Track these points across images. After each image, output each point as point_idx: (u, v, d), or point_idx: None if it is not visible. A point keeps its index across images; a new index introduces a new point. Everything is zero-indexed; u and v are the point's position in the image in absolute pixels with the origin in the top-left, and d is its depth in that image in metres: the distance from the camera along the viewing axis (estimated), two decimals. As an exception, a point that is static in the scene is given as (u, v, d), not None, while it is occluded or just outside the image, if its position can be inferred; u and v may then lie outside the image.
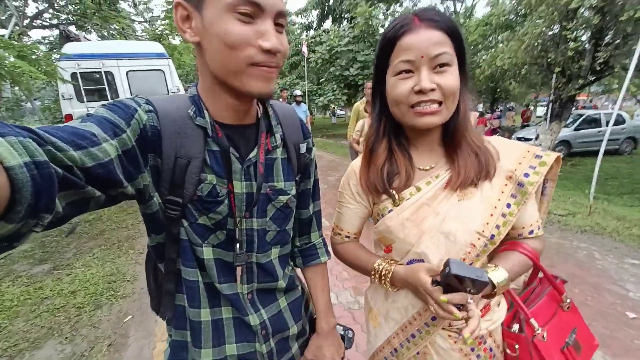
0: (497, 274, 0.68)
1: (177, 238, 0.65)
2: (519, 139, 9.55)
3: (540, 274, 0.85)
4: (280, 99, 7.16)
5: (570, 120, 9.11)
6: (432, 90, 0.65)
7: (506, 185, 0.72)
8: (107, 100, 4.09)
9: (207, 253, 0.67)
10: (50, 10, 9.38)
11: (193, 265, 0.67)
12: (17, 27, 7.29)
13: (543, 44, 6.85)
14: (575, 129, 9.66)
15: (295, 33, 20.61)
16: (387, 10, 16.41)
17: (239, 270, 0.70)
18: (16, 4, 6.96)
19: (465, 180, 0.71)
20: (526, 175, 0.71)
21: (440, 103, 0.67)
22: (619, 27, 5.78)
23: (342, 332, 0.91)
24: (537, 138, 7.51)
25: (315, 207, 0.88)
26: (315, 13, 19.95)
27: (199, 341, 0.70)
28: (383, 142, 0.79)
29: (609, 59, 6.11)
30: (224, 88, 0.60)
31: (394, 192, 0.76)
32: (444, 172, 0.75)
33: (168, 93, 5.83)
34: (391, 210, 0.77)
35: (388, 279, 0.78)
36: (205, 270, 0.68)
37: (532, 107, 16.36)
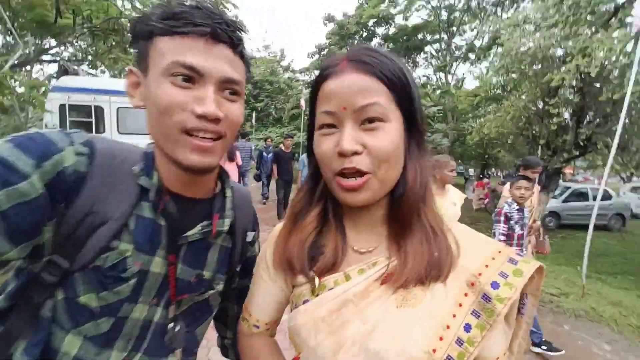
0: None
1: (34, 312, 0.50)
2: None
3: None
4: (283, 147, 7.08)
5: (558, 191, 9.22)
6: (356, 153, 0.49)
7: (466, 295, 0.50)
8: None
9: (69, 344, 0.51)
10: (62, 47, 9.89)
11: (34, 356, 0.49)
12: (25, 57, 7.56)
13: (528, 117, 7.16)
14: (564, 201, 9.71)
15: (298, 88, 21.93)
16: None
17: None
18: (28, 39, 7.30)
19: (411, 278, 0.50)
20: (494, 285, 0.49)
21: (365, 173, 0.49)
22: (598, 106, 6.07)
23: None
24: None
25: None
26: (317, 73, 21.49)
27: None
28: (316, 208, 0.60)
29: (591, 136, 6.33)
30: (166, 156, 0.55)
31: (314, 274, 0.55)
32: (384, 260, 0.54)
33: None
34: (307, 300, 0.55)
35: None
36: None
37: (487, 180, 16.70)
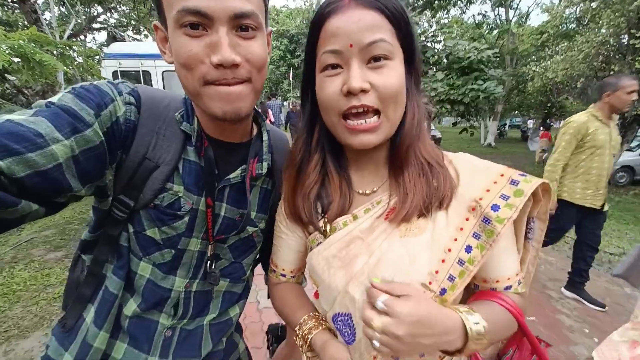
0: (473, 318, 0.47)
1: (114, 241, 0.59)
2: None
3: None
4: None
5: (635, 143, 8.00)
6: (364, 91, 0.48)
7: (467, 220, 0.52)
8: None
9: (143, 269, 0.61)
10: (108, 14, 10.28)
11: (121, 276, 0.60)
12: (78, 27, 8.05)
13: (606, 55, 6.07)
14: (642, 153, 8.44)
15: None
16: (432, 18, 15.82)
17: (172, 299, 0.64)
18: (78, 8, 7.68)
19: (411, 210, 0.52)
20: (495, 207, 0.50)
21: (377, 112, 0.49)
22: None
23: None
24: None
25: None
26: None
27: None
28: (314, 158, 0.61)
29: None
30: (198, 107, 0.57)
31: (322, 222, 0.60)
32: (387, 198, 0.56)
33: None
34: (320, 242, 0.60)
35: (304, 349, 0.60)
36: (127, 290, 0.61)
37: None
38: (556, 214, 2.50)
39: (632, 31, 5.60)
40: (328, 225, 0.59)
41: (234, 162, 0.63)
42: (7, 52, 2.67)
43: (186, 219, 0.60)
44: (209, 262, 0.65)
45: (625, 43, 5.85)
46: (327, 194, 0.61)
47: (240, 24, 0.49)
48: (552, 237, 2.59)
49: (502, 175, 0.53)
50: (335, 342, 0.57)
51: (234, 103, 0.52)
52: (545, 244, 2.57)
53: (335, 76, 0.51)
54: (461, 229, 0.51)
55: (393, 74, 0.49)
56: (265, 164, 0.66)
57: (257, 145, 0.67)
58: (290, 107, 9.43)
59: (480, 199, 0.52)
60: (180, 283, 0.63)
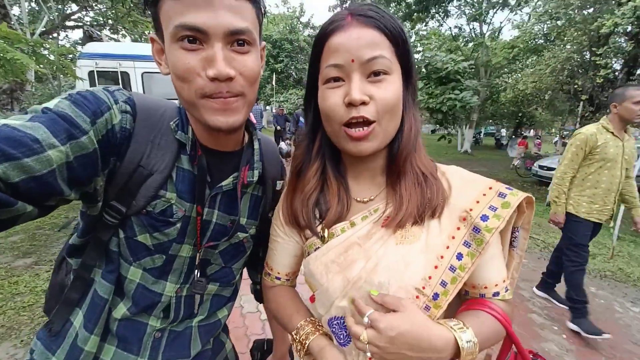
0: (465, 336, 0.50)
1: (104, 246, 0.60)
2: (541, 167, 9.09)
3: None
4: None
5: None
6: (364, 103, 0.52)
7: (459, 229, 0.56)
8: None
9: (133, 274, 0.61)
10: (83, 12, 9.92)
11: (111, 281, 0.60)
12: (51, 24, 7.70)
13: (570, 69, 6.52)
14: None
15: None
16: (411, 30, 16.36)
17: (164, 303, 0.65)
18: (51, 4, 7.35)
19: (405, 217, 0.55)
20: (484, 218, 0.54)
21: (371, 123, 0.53)
22: (655, 56, 5.40)
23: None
24: (559, 168, 7.03)
25: None
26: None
27: None
28: (315, 164, 0.64)
29: (643, 89, 5.70)
30: (193, 117, 0.58)
31: (320, 228, 0.62)
32: (383, 206, 0.60)
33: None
34: (318, 247, 0.62)
35: (302, 354, 0.61)
36: (117, 294, 0.62)
37: (538, 140, 15.52)
38: (567, 230, 2.42)
39: (593, 49, 6.06)
40: (326, 231, 0.61)
41: (226, 170, 0.65)
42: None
43: (178, 225, 0.60)
44: (196, 271, 0.66)
45: (588, 59, 6.31)
46: (325, 200, 0.63)
47: (235, 39, 0.51)
48: (577, 257, 2.37)
49: (490, 188, 0.57)
50: (332, 348, 0.59)
51: (229, 116, 0.54)
52: (577, 267, 2.37)
53: (337, 88, 0.54)
54: (453, 237, 0.55)
55: (391, 88, 0.53)
56: (256, 172, 0.67)
57: (248, 154, 0.68)
58: (275, 111, 9.49)
59: (471, 209, 0.55)
60: (171, 288, 0.64)
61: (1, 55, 2.77)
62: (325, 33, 0.55)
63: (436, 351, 0.49)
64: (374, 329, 0.49)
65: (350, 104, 0.52)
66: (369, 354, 0.50)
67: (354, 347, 0.57)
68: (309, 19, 24.12)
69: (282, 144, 8.17)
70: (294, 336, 0.64)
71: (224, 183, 0.63)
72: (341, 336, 0.59)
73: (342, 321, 0.59)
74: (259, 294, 0.85)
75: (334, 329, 0.60)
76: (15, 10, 6.80)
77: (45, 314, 0.66)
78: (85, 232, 0.60)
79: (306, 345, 0.61)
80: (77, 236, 0.61)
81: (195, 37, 0.49)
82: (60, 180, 0.44)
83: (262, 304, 0.86)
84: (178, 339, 0.67)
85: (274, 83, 16.79)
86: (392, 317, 0.49)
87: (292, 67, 21.04)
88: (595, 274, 3.42)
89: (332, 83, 0.54)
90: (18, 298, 2.58)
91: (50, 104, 0.46)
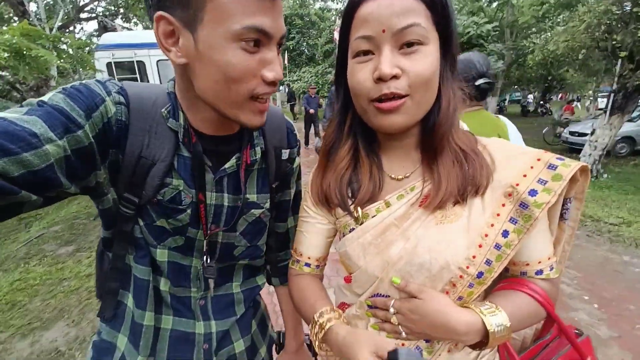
0: (496, 319, 0.49)
1: (130, 235, 0.62)
2: (571, 133, 8.55)
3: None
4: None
5: (636, 113, 7.94)
6: (395, 77, 0.48)
7: (504, 205, 0.52)
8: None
9: (161, 255, 0.63)
10: (95, 2, 9.97)
11: (146, 264, 0.63)
12: (67, 18, 7.81)
13: (608, 24, 5.92)
14: (643, 124, 8.37)
15: (331, 19, 20.13)
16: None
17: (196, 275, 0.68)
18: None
19: (446, 198, 0.53)
20: (532, 192, 0.50)
21: (404, 96, 0.49)
22: None
23: (309, 342, 0.88)
24: (593, 133, 6.58)
25: (294, 221, 0.82)
26: (351, -2, 19.25)
27: (136, 346, 0.65)
28: (347, 143, 0.62)
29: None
30: (210, 108, 0.54)
31: (354, 207, 0.60)
32: (420, 185, 0.57)
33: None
34: (353, 229, 0.61)
35: (320, 336, 0.60)
36: (156, 273, 0.65)
37: (576, 103, 14.37)
38: None
39: (636, -2, 5.44)
40: (360, 211, 0.59)
41: (228, 152, 0.63)
42: (1, 48, 2.63)
43: (188, 211, 0.61)
44: (205, 257, 0.66)
45: (629, 10, 5.68)
46: (358, 179, 0.61)
47: (279, 42, 0.53)
48: None
49: (538, 159, 0.53)
50: (362, 329, 0.60)
51: (262, 119, 0.56)
52: None
53: (366, 62, 0.51)
54: (498, 214, 0.52)
55: (426, 60, 0.49)
56: (258, 149, 0.66)
57: (249, 132, 0.66)
58: (309, 92, 8.73)
59: (517, 184, 0.52)
60: (197, 262, 0.67)
61: (26, 52, 2.85)
62: (354, 2, 0.51)
63: (457, 334, 0.50)
64: (401, 314, 0.53)
65: (380, 79, 0.49)
66: (404, 334, 0.55)
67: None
68: (319, -9, 23.05)
69: (317, 140, 7.46)
70: (315, 319, 0.61)
71: (227, 165, 0.62)
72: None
73: (383, 298, 0.59)
74: (269, 277, 0.86)
75: (376, 307, 0.60)
76: (31, 6, 6.93)
77: (98, 299, 0.70)
78: (109, 225, 0.62)
79: (325, 328, 0.59)
80: (104, 229, 0.64)
81: (260, 39, 0.48)
82: (60, 174, 0.44)
83: (272, 286, 0.87)
84: (221, 304, 0.72)
85: (286, 62, 16.48)
86: (412, 304, 0.52)
87: (304, 44, 20.45)
88: (629, 242, 3.26)
89: (362, 57, 0.51)
90: (65, 283, 2.81)
91: (45, 98, 0.46)
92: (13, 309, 2.48)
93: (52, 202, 0.48)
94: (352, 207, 0.60)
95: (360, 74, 0.51)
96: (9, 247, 3.55)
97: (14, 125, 0.39)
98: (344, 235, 0.63)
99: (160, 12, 0.47)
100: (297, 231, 0.73)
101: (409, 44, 0.48)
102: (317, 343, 0.61)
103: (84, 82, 0.51)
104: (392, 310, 0.55)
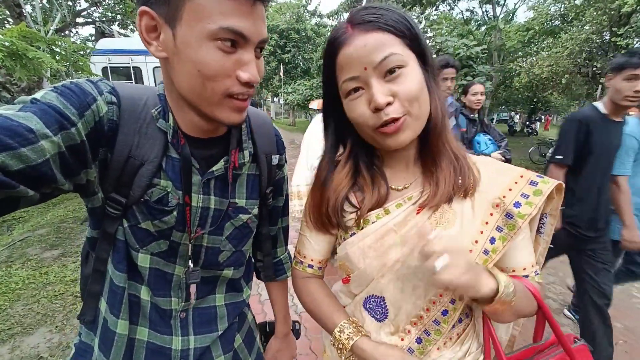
0: (503, 277, 0.53)
1: (112, 238, 0.61)
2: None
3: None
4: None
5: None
6: (389, 104, 0.53)
7: (492, 215, 0.59)
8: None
9: (142, 260, 0.63)
10: (92, 8, 10.01)
11: (123, 270, 0.62)
12: (63, 22, 7.81)
13: (589, 51, 6.28)
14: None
15: (327, 35, 20.65)
16: (421, 14, 15.93)
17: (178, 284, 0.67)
18: (61, 1, 7.45)
19: (441, 198, 0.58)
20: (517, 204, 0.57)
21: (402, 115, 0.54)
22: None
23: (291, 327, 0.95)
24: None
25: (283, 222, 0.86)
26: (346, 15, 19.84)
27: (108, 352, 0.64)
28: (346, 166, 0.66)
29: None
30: (191, 108, 0.55)
31: (355, 215, 0.64)
32: (418, 194, 0.62)
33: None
34: (354, 234, 0.65)
35: (345, 353, 0.63)
36: (133, 280, 0.64)
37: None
38: None
39: (614, 29, 5.81)
40: (361, 218, 0.64)
41: (216, 155, 0.64)
42: (-1, 49, 2.62)
43: (174, 213, 0.61)
44: (189, 261, 0.66)
45: (607, 40, 6.06)
46: (361, 190, 0.65)
47: (259, 46, 0.53)
48: None
49: (521, 176, 0.60)
50: (383, 343, 0.62)
51: (242, 114, 0.56)
52: None
53: (359, 98, 0.55)
54: (486, 222, 0.58)
55: (410, 79, 0.53)
56: (246, 152, 0.67)
57: (237, 134, 0.66)
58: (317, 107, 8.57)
59: (504, 196, 0.58)
60: (180, 271, 0.66)
61: (22, 54, 2.85)
62: (332, 49, 0.56)
63: (482, 275, 0.51)
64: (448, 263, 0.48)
65: (377, 110, 0.53)
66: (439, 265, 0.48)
67: (389, 322, 0.63)
68: (315, 7, 23.74)
69: None
70: (337, 336, 0.64)
71: (214, 168, 0.63)
72: (378, 312, 0.64)
73: (379, 300, 0.63)
74: (258, 273, 0.89)
75: (370, 306, 0.64)
76: (27, 8, 6.92)
77: (82, 301, 0.70)
78: (96, 225, 0.63)
79: (349, 345, 0.62)
80: (91, 228, 0.64)
81: (236, 40, 0.49)
82: (55, 170, 0.45)
83: (264, 285, 0.90)
84: (203, 317, 0.71)
85: (281, 74, 16.70)
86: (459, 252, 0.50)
87: (299, 57, 20.83)
88: (613, 260, 3.37)
89: (354, 94, 0.56)
90: (49, 287, 2.73)
91: (38, 95, 0.46)
92: (-7, 314, 2.39)
93: (47, 199, 0.48)
94: (353, 216, 0.64)
95: (358, 109, 0.56)
96: (-10, 250, 3.43)
97: (10, 121, 0.40)
98: (343, 240, 0.67)
99: (143, 7, 0.49)
100: (299, 234, 0.77)
101: (392, 71, 0.52)
102: (342, 358, 0.64)
103: (75, 80, 0.51)
104: (441, 262, 0.47)
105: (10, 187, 0.39)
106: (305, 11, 22.67)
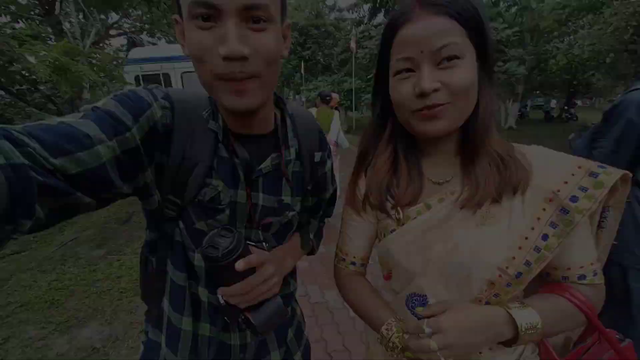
0: (523, 314, 0.51)
1: (171, 239, 0.64)
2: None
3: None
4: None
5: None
6: (435, 90, 0.52)
7: (544, 210, 0.54)
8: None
9: (198, 259, 0.64)
10: (123, 20, 10.56)
11: (182, 269, 0.64)
12: (97, 35, 8.32)
13: (636, 26, 5.73)
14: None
15: (346, 29, 20.38)
16: None
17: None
18: (95, 15, 7.93)
19: (482, 197, 0.56)
20: (573, 199, 0.52)
21: (442, 103, 0.53)
22: None
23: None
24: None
25: (327, 212, 0.90)
26: (366, 7, 19.45)
27: (175, 347, 0.66)
28: (387, 150, 0.66)
29: None
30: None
31: (394, 209, 0.63)
32: (460, 189, 0.60)
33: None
34: (394, 230, 0.64)
35: (397, 352, 0.61)
36: (193, 279, 0.65)
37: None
38: None
39: (666, -1, 5.26)
40: (401, 213, 0.62)
41: (262, 153, 0.65)
42: (46, 64, 2.85)
43: (227, 211, 0.63)
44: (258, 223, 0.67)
45: (658, 12, 5.48)
46: (399, 183, 0.64)
47: (250, 15, 0.48)
48: None
49: (579, 167, 0.54)
50: None
51: (243, 98, 0.52)
52: None
53: (408, 79, 0.54)
54: (538, 218, 0.54)
55: (463, 72, 0.52)
56: (292, 150, 0.68)
57: (283, 132, 0.68)
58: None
59: (558, 190, 0.53)
60: None
61: (67, 68, 3.08)
62: (394, 25, 0.55)
63: (494, 325, 0.52)
64: (438, 332, 0.50)
65: (422, 95, 0.52)
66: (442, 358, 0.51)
67: None
68: (334, 1, 23.46)
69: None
70: (385, 334, 0.63)
71: (262, 166, 0.64)
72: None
73: (421, 298, 0.62)
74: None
75: (412, 304, 0.63)
76: (66, 25, 7.44)
77: (143, 301, 0.74)
78: (153, 227, 0.65)
79: (399, 345, 0.60)
80: (149, 231, 0.67)
81: (209, 14, 0.47)
82: (113, 174, 0.47)
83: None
84: None
85: (302, 71, 16.75)
86: (447, 314, 0.52)
87: (320, 53, 20.74)
88: None
89: (403, 74, 0.55)
90: (98, 284, 2.95)
91: (99, 103, 0.49)
92: (52, 307, 2.62)
93: (104, 205, 0.50)
94: (392, 210, 0.63)
95: (403, 89, 0.55)
96: (45, 250, 3.75)
97: (70, 128, 0.43)
98: (384, 236, 0.66)
99: (174, 16, 0.53)
100: (341, 232, 0.77)
101: (448, 59, 0.51)
102: (393, 356, 0.63)
103: (133, 88, 0.55)
104: (428, 330, 0.50)
105: (68, 193, 0.41)
106: (324, 6, 22.50)
